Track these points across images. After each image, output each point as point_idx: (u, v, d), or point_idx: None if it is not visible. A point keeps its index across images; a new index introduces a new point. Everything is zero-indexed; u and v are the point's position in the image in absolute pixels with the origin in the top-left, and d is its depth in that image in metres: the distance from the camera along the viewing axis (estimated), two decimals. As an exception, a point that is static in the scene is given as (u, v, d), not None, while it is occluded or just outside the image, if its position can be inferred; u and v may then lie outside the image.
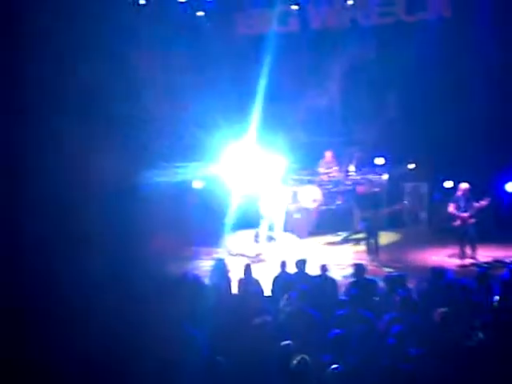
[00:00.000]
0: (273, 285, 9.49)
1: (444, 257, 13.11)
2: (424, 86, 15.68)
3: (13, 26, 7.76)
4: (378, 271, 11.99)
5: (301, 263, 9.72)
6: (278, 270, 9.82)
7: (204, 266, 12.35)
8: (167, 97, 16.44)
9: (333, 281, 9.64)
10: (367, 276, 9.64)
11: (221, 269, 9.77)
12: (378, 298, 8.86)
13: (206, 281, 9.66)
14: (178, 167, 16.59)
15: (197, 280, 9.16)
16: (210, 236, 14.34)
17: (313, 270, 9.97)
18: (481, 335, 7.00)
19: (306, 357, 6.31)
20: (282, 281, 9.41)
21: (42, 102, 8.54)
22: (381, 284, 9.38)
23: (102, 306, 6.83)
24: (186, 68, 16.66)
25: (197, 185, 16.59)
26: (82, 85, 9.52)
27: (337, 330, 6.97)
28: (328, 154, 16.72)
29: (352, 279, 9.50)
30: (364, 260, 12.72)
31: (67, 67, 9.00)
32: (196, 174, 16.58)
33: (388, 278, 9.11)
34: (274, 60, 16.21)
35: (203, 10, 17.64)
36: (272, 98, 16.58)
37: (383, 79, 16.67)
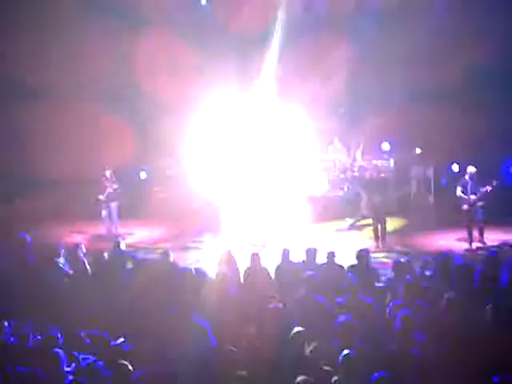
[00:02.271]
0: (276, 273, 9.49)
1: (452, 241, 13.08)
2: (429, 69, 15.59)
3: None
4: (386, 257, 11.98)
5: (311, 252, 9.68)
6: (280, 259, 9.81)
7: (211, 255, 12.40)
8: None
9: (340, 268, 9.62)
10: (372, 262, 9.66)
11: (228, 258, 9.77)
12: (382, 284, 8.85)
13: (213, 270, 9.67)
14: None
15: (200, 273, 9.19)
16: (216, 226, 14.39)
17: (320, 257, 9.96)
18: (488, 319, 7.01)
19: (319, 345, 6.36)
20: (286, 269, 9.42)
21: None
22: (388, 270, 9.39)
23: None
24: (190, 57, 16.69)
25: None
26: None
27: (343, 317, 6.98)
28: (337, 141, 16.71)
29: (356, 265, 9.45)
30: (371, 246, 12.73)
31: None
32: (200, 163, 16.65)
33: (395, 264, 9.08)
34: (278, 45, 16.15)
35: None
36: (277, 83, 16.56)
37: (389, 64, 16.61)
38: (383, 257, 11.96)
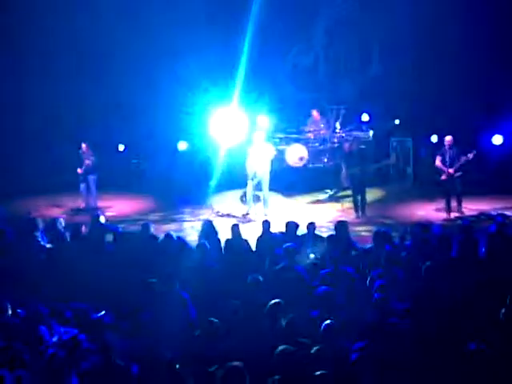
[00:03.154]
0: (257, 245, 9.51)
1: (430, 211, 13.19)
2: (407, 39, 15.56)
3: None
4: (366, 230, 12.05)
5: (292, 226, 9.64)
6: (261, 230, 9.81)
7: (192, 227, 12.38)
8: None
9: (321, 238, 9.65)
10: (352, 235, 9.70)
11: (209, 230, 9.76)
12: (357, 253, 8.90)
13: (194, 241, 9.67)
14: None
15: (181, 241, 9.25)
16: (197, 197, 14.37)
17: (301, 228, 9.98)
18: (466, 288, 7.10)
19: (294, 316, 6.40)
20: (266, 241, 9.43)
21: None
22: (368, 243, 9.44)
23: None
24: (166, 24, 16.51)
25: (182, 146, 16.54)
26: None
27: (323, 287, 7.02)
28: (315, 113, 16.66)
29: (334, 235, 9.46)
30: (351, 216, 12.80)
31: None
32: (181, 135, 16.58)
33: (375, 234, 9.12)
34: (259, 15, 16.00)
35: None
36: (258, 54, 16.47)
37: (367, 34, 16.58)
38: (363, 230, 12.00)
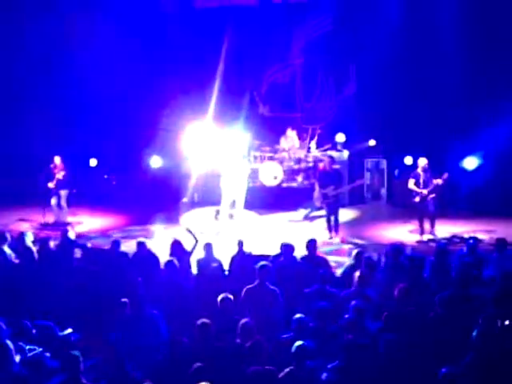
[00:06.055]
0: (231, 264, 9.40)
1: (404, 233, 13.20)
2: (382, 60, 15.67)
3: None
4: (339, 248, 12.02)
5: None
6: (235, 249, 9.69)
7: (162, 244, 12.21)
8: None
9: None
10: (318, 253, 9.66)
11: (177, 248, 9.61)
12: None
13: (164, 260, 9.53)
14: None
15: (151, 253, 9.19)
16: (169, 214, 14.23)
17: (274, 247, 9.90)
18: (438, 310, 7.09)
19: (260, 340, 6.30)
20: (240, 260, 9.32)
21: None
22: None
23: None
24: (142, 44, 16.51)
25: (155, 162, 16.41)
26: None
27: (298, 315, 6.91)
28: (289, 131, 16.71)
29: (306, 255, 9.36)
30: (324, 237, 12.76)
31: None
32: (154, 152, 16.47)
33: (356, 254, 9.06)
34: (233, 34, 16.10)
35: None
36: (233, 73, 16.52)
37: (342, 53, 16.73)
38: (336, 247, 11.97)
